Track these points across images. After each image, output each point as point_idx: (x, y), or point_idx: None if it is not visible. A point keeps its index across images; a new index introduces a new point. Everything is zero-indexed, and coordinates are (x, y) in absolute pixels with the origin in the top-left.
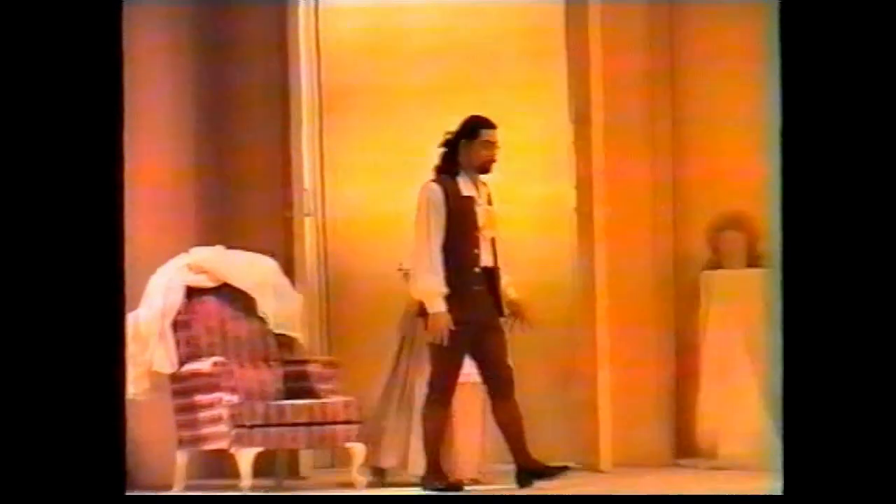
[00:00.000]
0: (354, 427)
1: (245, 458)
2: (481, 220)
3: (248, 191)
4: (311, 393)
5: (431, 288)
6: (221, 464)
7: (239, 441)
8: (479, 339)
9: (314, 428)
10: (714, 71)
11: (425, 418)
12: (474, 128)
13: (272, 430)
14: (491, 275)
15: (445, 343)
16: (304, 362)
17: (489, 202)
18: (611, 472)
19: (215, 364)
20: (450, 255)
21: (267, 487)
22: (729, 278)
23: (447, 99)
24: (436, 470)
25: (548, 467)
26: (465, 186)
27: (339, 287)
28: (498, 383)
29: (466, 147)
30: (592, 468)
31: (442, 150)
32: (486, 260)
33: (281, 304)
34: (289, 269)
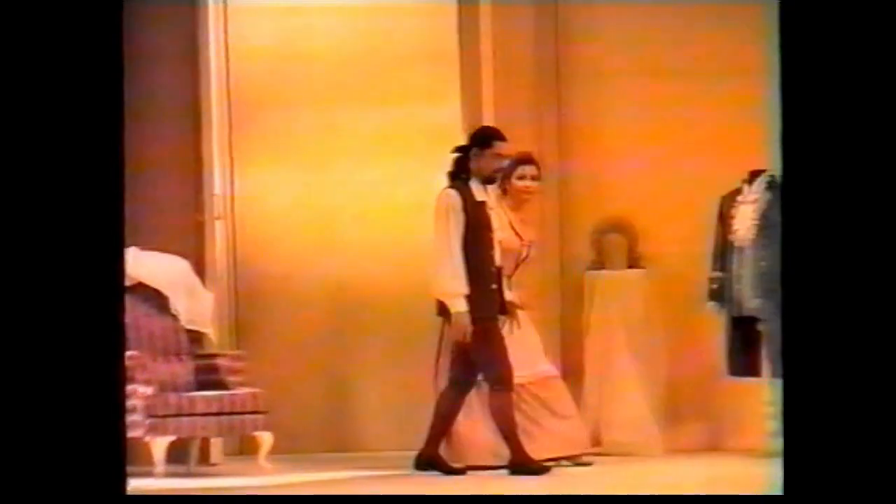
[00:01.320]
0: (261, 416)
1: (159, 446)
2: (494, 222)
3: (160, 195)
4: (220, 385)
5: (454, 289)
6: (136, 452)
7: (153, 430)
8: (490, 334)
9: (223, 418)
10: (598, 74)
11: (440, 403)
12: (487, 139)
13: (184, 419)
14: (500, 274)
15: (468, 340)
16: (214, 356)
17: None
18: None
19: (130, 358)
20: (469, 257)
21: (179, 474)
22: (611, 278)
23: (353, 100)
24: (435, 455)
25: (531, 461)
26: (478, 192)
27: (247, 285)
28: (500, 377)
29: (478, 156)
30: None
31: (454, 157)
32: (498, 260)
33: (192, 301)
34: (200, 269)
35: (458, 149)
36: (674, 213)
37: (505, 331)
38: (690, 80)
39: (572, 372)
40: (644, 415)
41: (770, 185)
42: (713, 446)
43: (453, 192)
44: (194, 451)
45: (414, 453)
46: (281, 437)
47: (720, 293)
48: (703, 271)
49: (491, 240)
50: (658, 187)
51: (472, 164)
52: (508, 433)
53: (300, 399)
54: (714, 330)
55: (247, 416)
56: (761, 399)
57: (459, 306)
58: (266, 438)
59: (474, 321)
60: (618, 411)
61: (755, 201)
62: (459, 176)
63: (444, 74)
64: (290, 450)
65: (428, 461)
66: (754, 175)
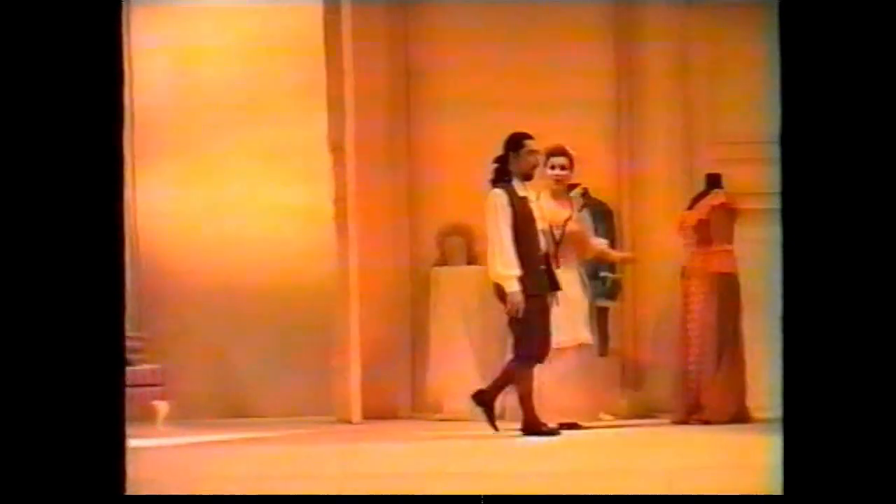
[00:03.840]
0: (159, 388)
1: None
2: (536, 213)
3: None
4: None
5: (507, 272)
6: None
7: None
8: (538, 310)
9: (126, 389)
10: (447, 84)
11: (518, 380)
12: (518, 141)
13: None
14: (547, 256)
15: (521, 316)
16: None
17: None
18: (361, 423)
19: None
20: (520, 245)
21: None
22: (452, 273)
23: (240, 106)
24: (534, 420)
25: (542, 426)
26: (520, 189)
27: (149, 277)
28: (534, 352)
29: (515, 158)
30: (346, 420)
31: (495, 165)
32: (543, 245)
33: None
34: None
35: (497, 158)
36: None
37: (553, 304)
38: (529, 87)
39: (420, 353)
40: (480, 386)
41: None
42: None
43: (500, 192)
44: None
45: (294, 419)
46: (177, 406)
47: None
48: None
49: (535, 228)
50: None
51: (511, 167)
52: (524, 400)
53: (195, 374)
54: None
55: (146, 388)
56: None
57: (513, 286)
58: (162, 407)
59: (527, 298)
60: (460, 385)
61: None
62: (502, 178)
63: (313, 83)
64: (185, 416)
65: (532, 429)
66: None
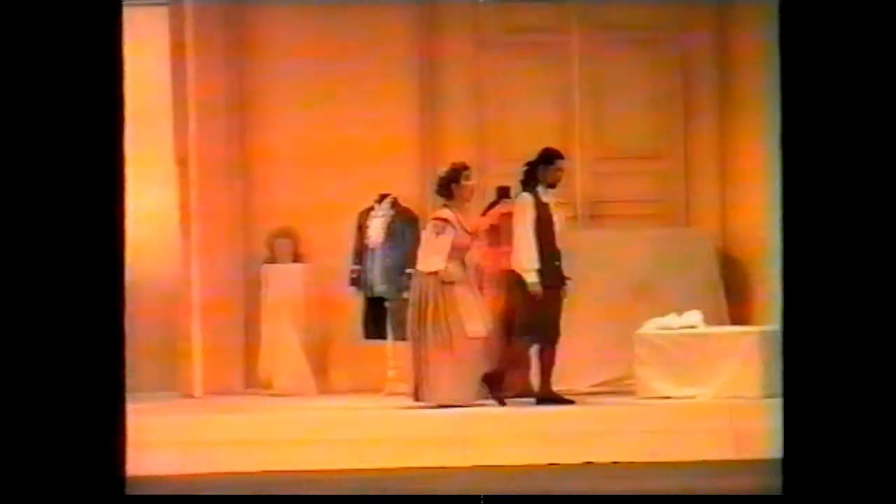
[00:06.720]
0: None
1: None
2: (554, 217)
3: None
4: None
5: (530, 265)
6: None
7: None
8: (552, 299)
9: None
10: (287, 97)
11: (516, 356)
12: (551, 157)
13: None
14: (560, 255)
15: (539, 300)
16: None
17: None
18: (201, 398)
19: None
20: (540, 243)
21: None
22: (280, 270)
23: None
24: (550, 391)
25: (557, 396)
26: (544, 195)
27: None
28: (552, 334)
29: (544, 170)
30: (189, 395)
31: (524, 169)
32: (558, 244)
33: None
34: None
35: (528, 163)
36: (326, 223)
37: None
38: (346, 105)
39: (252, 338)
40: (303, 367)
41: (393, 205)
42: (354, 389)
43: (528, 195)
44: None
45: (145, 394)
46: None
47: (358, 280)
48: (346, 265)
49: (553, 230)
50: (316, 202)
51: (539, 176)
52: (545, 375)
53: None
54: (354, 306)
55: None
56: (386, 355)
57: (533, 278)
58: None
59: (544, 289)
60: (285, 366)
61: (383, 216)
62: (530, 184)
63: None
64: None
65: (547, 397)
66: (383, 196)
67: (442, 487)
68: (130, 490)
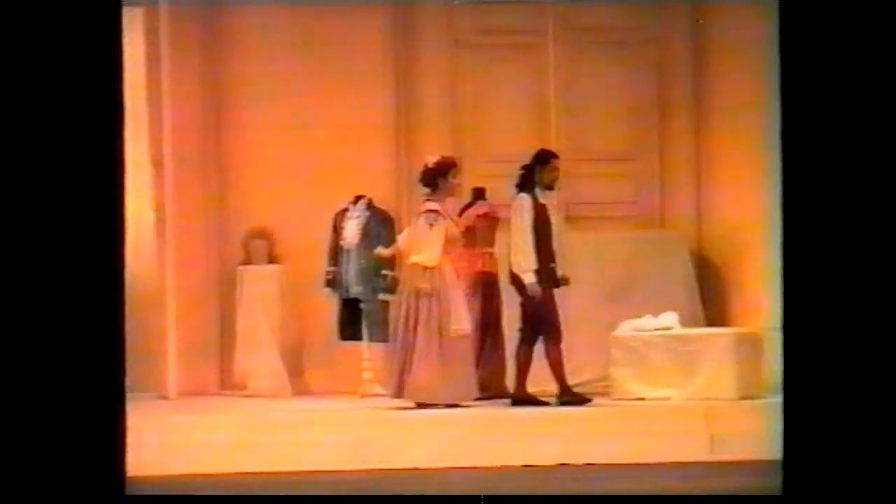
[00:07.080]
0: None
1: None
2: (552, 218)
3: None
4: None
5: (527, 266)
6: None
7: None
8: (549, 299)
9: None
10: (262, 98)
11: (518, 355)
12: (546, 158)
13: None
14: (555, 256)
15: (537, 301)
16: None
17: None
18: (176, 399)
19: None
20: (538, 244)
21: None
22: (255, 271)
23: None
24: (525, 392)
25: (577, 395)
26: (541, 197)
27: None
28: (555, 332)
29: (540, 171)
30: (164, 396)
31: (521, 172)
32: (555, 245)
33: None
34: None
35: (524, 166)
36: (302, 225)
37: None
38: (322, 107)
39: (227, 339)
40: (279, 368)
41: (368, 206)
42: (330, 391)
43: (526, 197)
44: None
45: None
46: None
47: (334, 282)
48: (321, 266)
49: (550, 231)
50: (291, 204)
51: (536, 177)
52: (559, 375)
53: None
54: (329, 307)
55: None
56: (361, 356)
57: (531, 279)
58: None
59: (543, 289)
60: (261, 367)
61: (359, 217)
62: (527, 185)
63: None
64: None
65: (522, 399)
66: (358, 198)
67: (429, 488)
68: (130, 490)
